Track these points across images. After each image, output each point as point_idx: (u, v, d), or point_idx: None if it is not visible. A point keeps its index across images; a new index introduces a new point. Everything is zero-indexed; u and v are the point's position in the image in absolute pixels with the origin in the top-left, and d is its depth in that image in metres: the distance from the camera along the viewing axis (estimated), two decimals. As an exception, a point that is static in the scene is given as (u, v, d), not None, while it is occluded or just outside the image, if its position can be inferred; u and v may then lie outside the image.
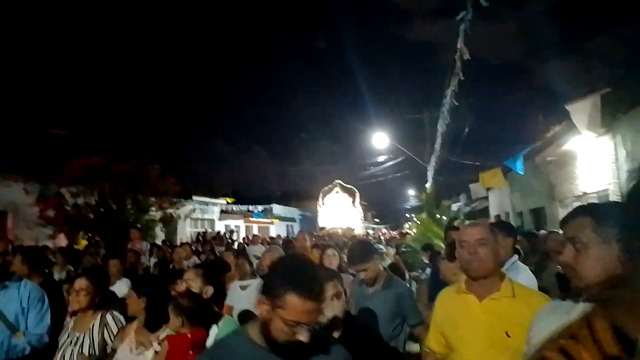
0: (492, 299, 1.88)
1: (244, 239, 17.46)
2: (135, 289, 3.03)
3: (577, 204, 8.10)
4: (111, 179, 11.70)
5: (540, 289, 2.75)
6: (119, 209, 12.13)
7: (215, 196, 23.48)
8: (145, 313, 2.77)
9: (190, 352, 2.40)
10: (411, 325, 3.05)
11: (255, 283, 4.52)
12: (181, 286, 3.37)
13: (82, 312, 2.96)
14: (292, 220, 31.10)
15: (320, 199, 24.96)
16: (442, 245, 7.14)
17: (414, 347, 3.39)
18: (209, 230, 19.85)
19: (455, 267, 2.58)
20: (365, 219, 31.86)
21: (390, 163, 20.30)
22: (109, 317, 2.96)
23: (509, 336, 1.77)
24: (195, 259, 7.53)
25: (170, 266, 7.13)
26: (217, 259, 6.71)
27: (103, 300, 3.06)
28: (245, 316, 3.85)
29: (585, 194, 8.80)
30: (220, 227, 21.78)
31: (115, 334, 2.88)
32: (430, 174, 14.95)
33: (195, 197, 19.90)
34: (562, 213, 9.46)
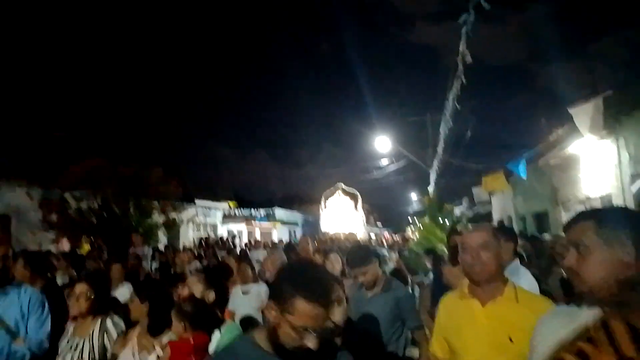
0: (495, 304, 1.87)
1: (246, 243, 17.45)
2: (138, 294, 3.03)
3: (580, 207, 8.08)
4: (114, 182, 11.73)
5: (546, 293, 2.74)
6: (122, 213, 12.16)
7: (218, 200, 23.52)
8: (148, 318, 2.77)
9: (192, 357, 2.40)
10: (411, 329, 3.03)
11: (257, 288, 4.51)
12: (183, 291, 3.38)
13: (82, 317, 2.94)
14: (295, 224, 31.06)
15: (322, 202, 25.00)
16: (445, 249, 7.12)
17: (415, 352, 3.37)
18: (212, 234, 19.87)
19: (458, 272, 2.57)
20: (368, 222, 31.87)
21: (393, 167, 20.25)
22: (109, 322, 2.94)
23: (512, 341, 1.76)
24: (197, 264, 7.53)
25: (172, 271, 7.13)
26: (219, 263, 6.71)
27: (103, 305, 3.04)
28: (248, 322, 3.86)
29: (588, 197, 8.77)
30: (222, 231, 21.82)
31: (115, 339, 2.87)
32: (432, 178, 14.91)
33: (197, 201, 19.93)
34: (565, 217, 9.44)
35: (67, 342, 2.92)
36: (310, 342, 1.34)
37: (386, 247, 13.58)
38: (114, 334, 2.90)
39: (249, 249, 12.83)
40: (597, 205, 7.73)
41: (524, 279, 2.79)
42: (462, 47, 7.52)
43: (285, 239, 22.36)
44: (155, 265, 8.34)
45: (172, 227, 14.09)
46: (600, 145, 7.84)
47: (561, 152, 9.13)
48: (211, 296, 3.13)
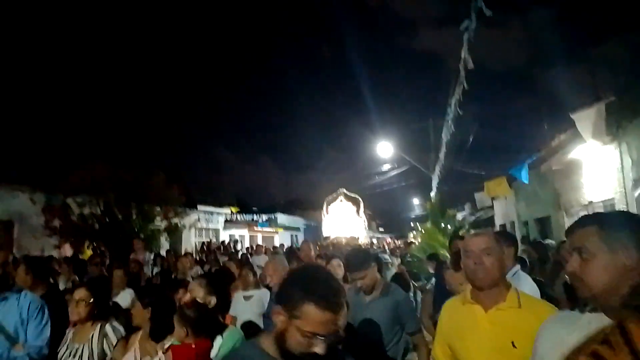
0: (498, 309, 1.86)
1: (247, 248, 17.44)
2: (140, 299, 3.03)
3: (583, 213, 8.05)
4: (117, 188, 11.76)
5: (552, 298, 2.73)
6: (125, 219, 12.17)
7: (220, 205, 23.53)
8: (150, 323, 2.76)
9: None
10: (409, 333, 3.02)
11: (259, 294, 4.51)
12: (185, 296, 3.37)
13: (82, 322, 2.93)
14: (297, 229, 31.03)
15: (324, 208, 24.98)
16: (447, 254, 7.09)
17: (414, 356, 3.36)
18: (214, 240, 19.86)
19: (461, 277, 2.56)
20: (370, 228, 31.81)
21: (395, 172, 20.28)
22: (108, 328, 2.93)
23: (515, 346, 1.75)
24: (198, 269, 7.53)
25: (173, 276, 7.13)
26: (221, 268, 6.70)
27: (103, 311, 3.03)
28: (249, 327, 3.85)
29: (591, 202, 8.74)
30: (224, 236, 21.79)
31: (114, 345, 2.86)
32: (435, 183, 14.92)
33: (200, 207, 19.94)
34: (567, 222, 9.41)
35: (67, 348, 2.91)
36: (319, 348, 1.31)
37: (388, 252, 13.54)
38: (114, 340, 2.89)
39: (251, 254, 12.81)
40: (600, 210, 7.71)
41: (525, 284, 2.79)
42: (464, 52, 7.54)
43: (287, 244, 22.35)
44: (156, 270, 8.34)
45: (175, 233, 14.09)
46: (602, 150, 7.83)
47: (564, 158, 9.12)
48: (213, 301, 3.13)
